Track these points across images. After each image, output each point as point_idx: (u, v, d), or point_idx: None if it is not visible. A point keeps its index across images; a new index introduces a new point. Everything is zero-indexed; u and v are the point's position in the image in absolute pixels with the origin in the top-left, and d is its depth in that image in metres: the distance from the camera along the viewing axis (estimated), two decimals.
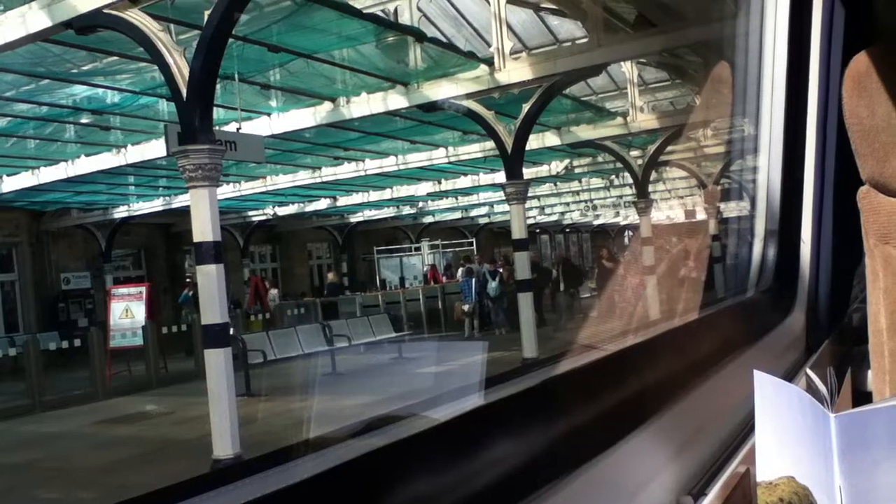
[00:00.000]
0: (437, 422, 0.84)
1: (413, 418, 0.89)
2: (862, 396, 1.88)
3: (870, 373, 1.85)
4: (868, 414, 1.08)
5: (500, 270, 21.39)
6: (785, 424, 1.07)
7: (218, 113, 10.34)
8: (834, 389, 1.20)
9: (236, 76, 10.85)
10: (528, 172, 16.10)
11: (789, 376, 1.65)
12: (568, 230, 42.32)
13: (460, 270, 25.18)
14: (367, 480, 0.72)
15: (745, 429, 1.25)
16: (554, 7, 12.01)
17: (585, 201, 30.36)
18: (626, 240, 38.88)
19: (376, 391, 10.78)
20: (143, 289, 17.84)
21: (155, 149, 14.04)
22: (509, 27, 11.85)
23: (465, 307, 20.95)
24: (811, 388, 1.22)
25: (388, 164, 19.03)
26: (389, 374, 14.45)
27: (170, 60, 7.89)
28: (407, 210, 28.76)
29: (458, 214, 31.37)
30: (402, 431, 0.83)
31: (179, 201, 19.59)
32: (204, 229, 7.79)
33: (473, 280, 20.94)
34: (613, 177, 23.62)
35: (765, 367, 1.22)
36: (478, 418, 0.88)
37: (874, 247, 1.76)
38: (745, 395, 1.18)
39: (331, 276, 25.99)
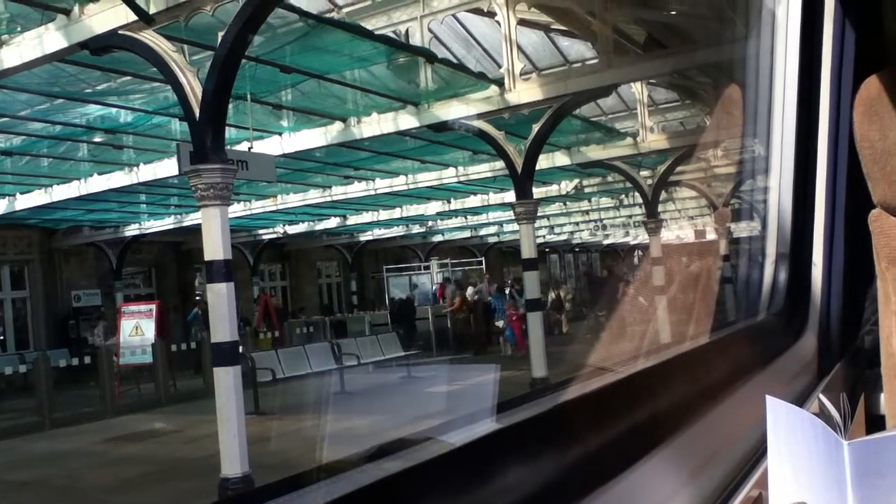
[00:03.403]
0: (450, 447, 0.84)
1: (425, 442, 0.89)
2: (876, 420, 1.86)
3: (883, 396, 1.84)
4: (882, 441, 1.08)
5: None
6: (798, 450, 1.06)
7: (230, 132, 10.41)
8: (847, 415, 1.19)
9: (248, 96, 10.94)
10: (537, 192, 16.12)
11: (801, 400, 1.64)
12: (577, 249, 42.29)
13: (470, 289, 25.25)
14: None
15: (758, 453, 1.24)
16: (564, 28, 12.09)
17: (595, 221, 30.35)
18: (636, 259, 38.80)
19: (385, 411, 10.75)
20: (153, 306, 17.89)
21: (167, 168, 14.13)
22: (520, 48, 11.92)
23: (499, 323, 21.22)
24: (824, 413, 1.21)
25: (398, 183, 19.11)
26: (398, 394, 14.41)
27: (183, 80, 7.96)
28: (416, 229, 28.82)
29: (467, 233, 31.41)
30: (416, 456, 0.83)
31: (190, 219, 19.68)
32: (215, 248, 7.82)
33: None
34: (623, 197, 23.63)
35: (777, 391, 1.22)
36: (491, 443, 0.88)
37: (886, 269, 1.75)
38: (758, 419, 1.17)
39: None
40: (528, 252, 13.58)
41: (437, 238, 31.99)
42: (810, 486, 1.04)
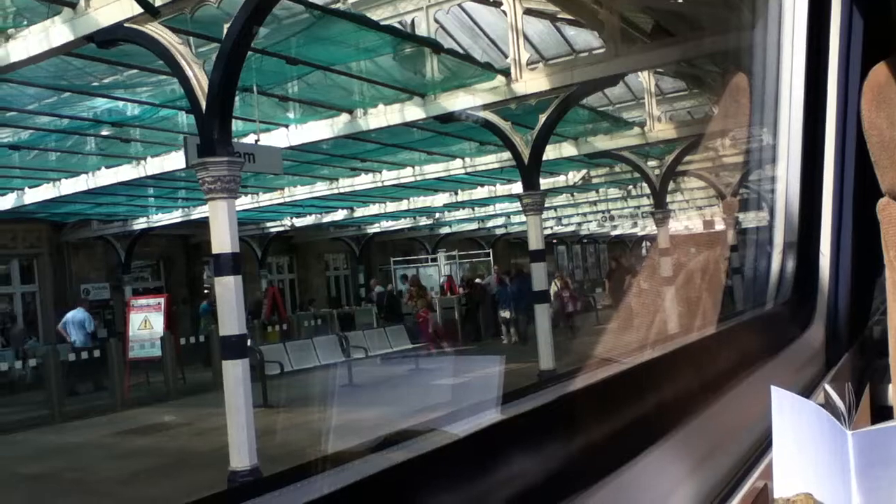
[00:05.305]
0: (456, 437, 0.84)
1: (432, 433, 0.89)
2: (882, 411, 1.86)
3: (890, 387, 1.83)
4: (886, 431, 1.07)
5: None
6: (803, 441, 1.06)
7: (236, 125, 10.42)
8: (852, 405, 1.19)
9: (255, 88, 10.93)
10: (544, 183, 16.10)
11: (808, 390, 1.63)
12: (585, 240, 42.23)
13: (478, 281, 25.44)
14: (386, 496, 0.72)
15: (764, 444, 1.24)
16: (571, 18, 12.03)
17: (602, 212, 30.29)
18: (644, 250, 38.73)
19: (393, 403, 10.78)
20: (161, 300, 17.93)
21: (174, 161, 14.16)
22: (526, 38, 11.87)
23: (506, 314, 21.50)
24: (829, 404, 1.21)
25: (405, 174, 19.09)
26: (406, 386, 14.42)
27: (189, 73, 7.96)
28: (423, 221, 28.81)
29: (474, 225, 31.37)
30: (421, 446, 0.83)
31: (198, 213, 19.72)
32: (223, 241, 7.83)
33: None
34: (631, 187, 23.57)
35: (784, 381, 1.21)
36: (496, 433, 0.88)
37: (895, 259, 1.74)
38: (764, 409, 1.17)
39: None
40: (535, 243, 13.55)
41: (445, 230, 31.97)
42: (815, 476, 1.04)
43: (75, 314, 17.46)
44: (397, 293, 24.23)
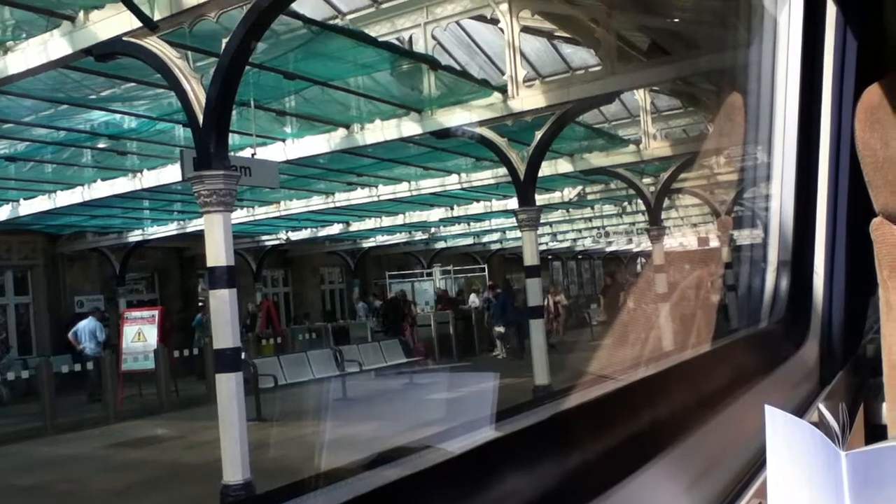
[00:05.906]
0: (450, 454, 0.84)
1: (427, 450, 0.89)
2: (876, 430, 1.86)
3: (884, 405, 1.83)
4: (880, 451, 1.07)
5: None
6: (797, 460, 1.06)
7: (233, 139, 10.42)
8: (846, 425, 1.19)
9: (252, 103, 10.95)
10: (540, 199, 16.12)
11: (803, 409, 1.64)
12: (580, 257, 42.28)
13: (473, 296, 25.48)
14: None
15: (758, 462, 1.24)
16: (567, 35, 12.11)
17: (598, 228, 30.35)
18: (639, 266, 38.79)
19: (387, 418, 10.74)
20: (155, 312, 17.89)
21: (170, 174, 14.16)
22: (523, 55, 11.93)
23: (500, 328, 21.64)
24: (823, 423, 1.21)
25: (401, 189, 19.13)
26: (400, 401, 14.38)
27: (187, 87, 7.97)
28: (419, 235, 28.83)
29: (470, 240, 31.39)
30: (416, 464, 0.83)
31: (194, 225, 19.69)
32: (217, 254, 7.82)
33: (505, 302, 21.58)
34: (626, 204, 23.63)
35: (778, 400, 1.22)
36: (491, 451, 0.88)
37: (888, 278, 1.75)
38: (758, 427, 1.17)
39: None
40: (530, 259, 13.56)
41: (440, 245, 31.99)
42: (809, 496, 1.04)
43: (87, 323, 17.75)
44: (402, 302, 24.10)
